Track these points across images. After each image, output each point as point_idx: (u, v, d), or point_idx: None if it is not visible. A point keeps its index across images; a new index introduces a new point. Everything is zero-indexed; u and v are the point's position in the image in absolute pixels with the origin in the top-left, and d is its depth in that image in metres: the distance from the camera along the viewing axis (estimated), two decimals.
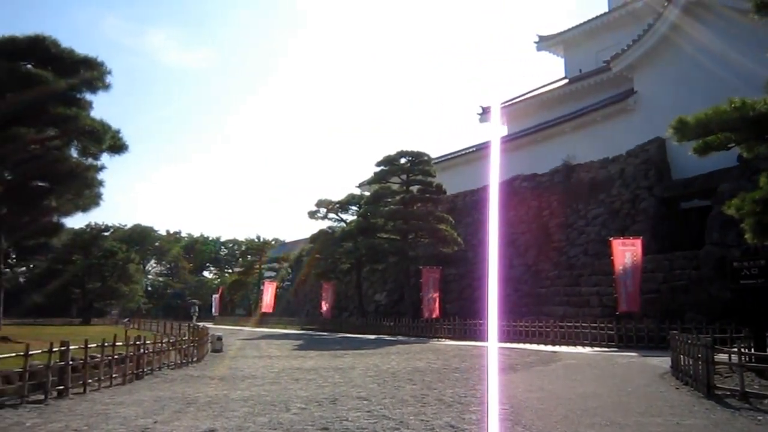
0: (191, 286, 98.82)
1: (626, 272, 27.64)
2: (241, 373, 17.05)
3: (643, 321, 27.20)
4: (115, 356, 14.46)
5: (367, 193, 49.97)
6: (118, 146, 24.37)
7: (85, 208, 26.66)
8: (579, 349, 25.98)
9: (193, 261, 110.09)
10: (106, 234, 67.94)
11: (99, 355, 13.86)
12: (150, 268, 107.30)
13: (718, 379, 12.89)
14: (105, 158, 25.37)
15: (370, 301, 50.28)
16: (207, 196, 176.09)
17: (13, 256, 56.28)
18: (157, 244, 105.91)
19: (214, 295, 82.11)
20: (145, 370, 16.28)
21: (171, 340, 20.98)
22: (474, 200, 45.97)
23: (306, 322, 54.66)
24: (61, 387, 12.19)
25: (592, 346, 26.52)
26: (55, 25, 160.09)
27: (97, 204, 26.47)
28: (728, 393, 11.96)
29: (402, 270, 43.22)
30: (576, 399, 11.91)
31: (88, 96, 24.24)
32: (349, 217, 53.13)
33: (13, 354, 11.77)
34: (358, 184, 58.25)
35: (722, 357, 13.67)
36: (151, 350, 17.28)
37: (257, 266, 77.80)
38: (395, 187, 43.59)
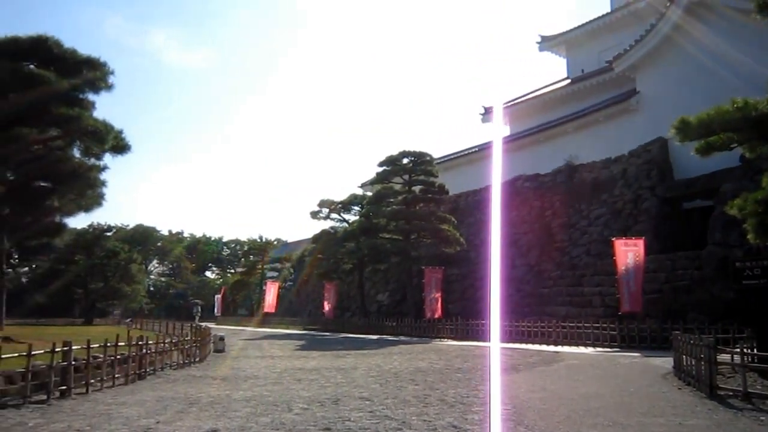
0: (193, 287, 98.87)
1: (629, 272, 27.61)
2: (244, 373, 17.06)
3: (645, 321, 27.16)
4: (118, 356, 14.49)
5: (369, 194, 50.01)
6: (120, 146, 24.40)
7: (87, 209, 26.71)
8: (581, 349, 25.97)
9: (195, 261, 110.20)
10: (108, 234, 67.93)
11: (101, 355, 13.89)
12: (152, 269, 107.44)
13: (721, 379, 12.89)
14: (107, 158, 25.45)
15: (373, 301, 50.27)
16: (209, 196, 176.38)
17: (16, 256, 56.19)
18: (159, 244, 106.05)
19: (216, 296, 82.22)
20: (148, 370, 16.31)
21: (173, 341, 20.99)
22: (476, 200, 45.96)
23: (308, 322, 54.69)
24: (64, 387, 12.21)
25: (594, 346, 26.51)
26: (57, 25, 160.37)
27: (99, 204, 26.52)
28: (731, 393, 11.95)
29: (404, 270, 43.22)
30: (578, 399, 11.91)
31: (91, 96, 24.31)
32: (352, 218, 53.16)
33: (16, 354, 11.79)
34: (360, 184, 58.32)
35: (725, 357, 13.64)
36: (153, 350, 17.30)
37: (260, 266, 77.86)
38: (398, 187, 43.59)
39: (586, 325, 28.10)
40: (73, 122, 22.39)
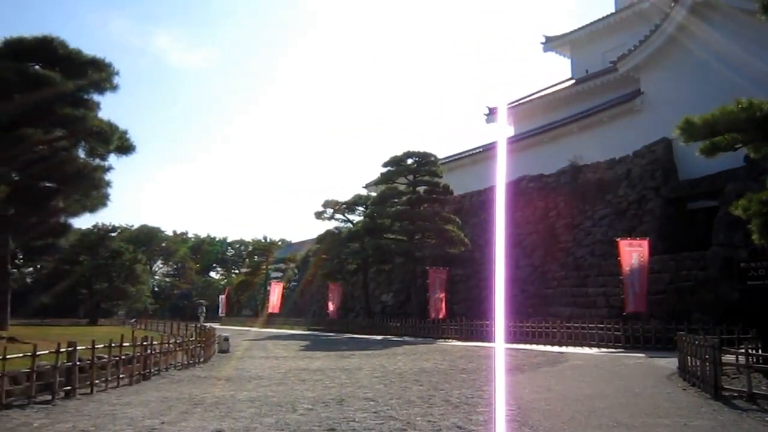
0: (198, 287, 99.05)
1: (633, 273, 27.56)
2: (248, 373, 17.07)
3: (649, 322, 27.11)
4: (122, 357, 14.51)
5: (373, 194, 49.99)
6: (125, 147, 24.46)
7: (92, 209, 26.81)
8: (586, 350, 25.92)
9: (199, 261, 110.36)
10: (113, 234, 68.10)
11: (106, 356, 13.90)
12: (157, 269, 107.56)
13: (726, 380, 12.84)
14: (112, 159, 25.51)
15: (377, 301, 50.29)
16: (213, 196, 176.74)
17: (21, 256, 56.45)
18: (163, 244, 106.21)
19: (220, 296, 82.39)
20: (152, 370, 16.31)
21: (178, 341, 21.00)
22: (481, 201, 45.95)
23: (312, 322, 54.74)
24: (69, 387, 12.24)
25: (599, 346, 26.46)
26: (62, 26, 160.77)
27: (104, 204, 26.62)
28: (735, 394, 11.92)
29: (409, 271, 43.22)
30: (583, 400, 11.89)
31: (96, 97, 24.40)
32: (356, 218, 53.15)
33: (21, 354, 11.81)
34: (364, 185, 58.31)
35: (729, 358, 13.60)
36: (158, 351, 17.31)
37: (264, 267, 77.91)
38: (402, 187, 43.58)
39: (590, 325, 28.04)
40: (78, 123, 22.44)
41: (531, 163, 42.50)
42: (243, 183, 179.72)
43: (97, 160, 25.29)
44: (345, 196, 54.21)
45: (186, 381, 15.50)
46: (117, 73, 23.73)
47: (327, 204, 54.19)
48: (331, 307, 51.69)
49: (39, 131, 23.19)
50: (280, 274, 74.44)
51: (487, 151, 49.27)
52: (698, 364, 13.55)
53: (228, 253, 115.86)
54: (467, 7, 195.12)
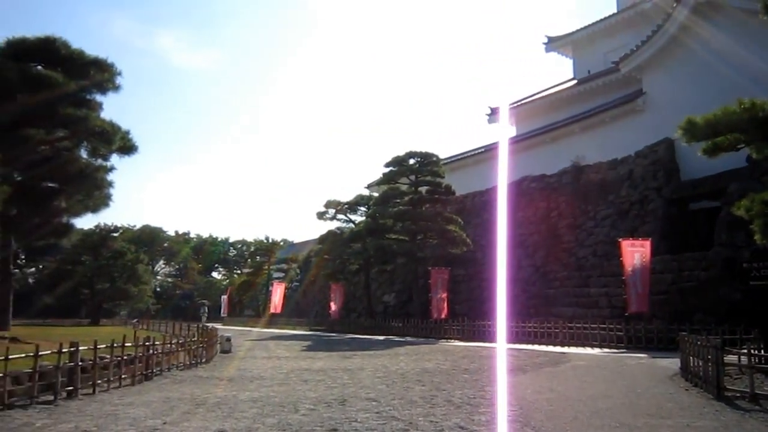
0: (200, 287, 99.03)
1: (635, 273, 27.53)
2: (250, 374, 17.07)
3: (652, 322, 27.09)
4: (125, 357, 14.50)
5: (375, 194, 49.97)
6: (127, 147, 24.49)
7: (94, 209, 26.81)
8: (588, 350, 25.90)
9: (201, 262, 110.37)
10: (115, 235, 68.12)
11: (108, 356, 13.90)
12: (159, 269, 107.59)
13: (728, 380, 12.82)
14: (114, 159, 25.53)
15: (379, 302, 50.29)
16: (216, 196, 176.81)
17: (23, 257, 56.59)
18: (166, 244, 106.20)
19: (222, 296, 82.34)
20: (154, 370, 16.31)
21: (180, 341, 20.99)
22: (483, 201, 45.94)
23: (314, 323, 54.73)
24: (71, 388, 12.23)
25: (601, 347, 26.44)
26: (65, 26, 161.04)
27: (106, 205, 26.63)
28: (738, 395, 11.90)
29: (411, 271, 43.21)
30: (585, 400, 11.88)
31: (98, 97, 24.44)
32: (358, 218, 53.12)
33: (23, 355, 11.80)
34: (366, 185, 58.28)
35: (732, 358, 13.58)
36: (160, 351, 17.31)
37: (266, 267, 78.00)
38: (404, 187, 43.55)
39: (592, 326, 28.03)
40: (80, 123, 22.46)
41: (533, 163, 42.50)
42: (245, 183, 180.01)
43: (100, 161, 25.32)
44: (347, 197, 54.23)
45: (188, 381, 15.51)
46: (119, 74, 23.80)
47: (329, 204, 54.16)
48: (333, 307, 51.68)
49: (41, 131, 23.22)
50: (282, 275, 74.48)
51: (488, 152, 49.24)
52: (701, 364, 13.54)
53: (230, 254, 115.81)
54: (469, 7, 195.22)
